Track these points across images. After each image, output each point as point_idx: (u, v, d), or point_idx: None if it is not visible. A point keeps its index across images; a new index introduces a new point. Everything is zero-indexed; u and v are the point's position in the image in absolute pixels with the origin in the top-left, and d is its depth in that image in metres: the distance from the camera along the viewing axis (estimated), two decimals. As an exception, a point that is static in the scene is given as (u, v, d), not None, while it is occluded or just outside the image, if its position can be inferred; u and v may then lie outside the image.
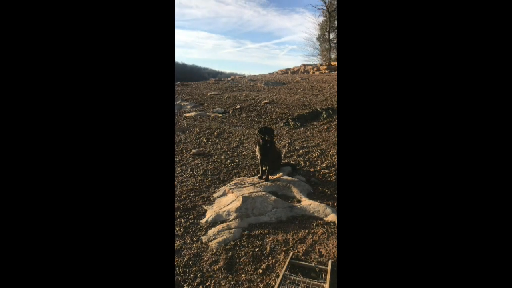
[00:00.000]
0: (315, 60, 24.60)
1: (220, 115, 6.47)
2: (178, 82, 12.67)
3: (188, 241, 2.12)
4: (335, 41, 21.88)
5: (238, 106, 7.04)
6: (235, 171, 3.43)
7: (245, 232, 2.20)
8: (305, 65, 20.98)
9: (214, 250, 2.00)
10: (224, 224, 2.29)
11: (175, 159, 3.80)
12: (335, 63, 17.27)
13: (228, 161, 3.72)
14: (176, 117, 6.23)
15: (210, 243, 2.08)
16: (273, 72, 22.67)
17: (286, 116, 5.94)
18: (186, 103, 7.78)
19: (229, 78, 15.71)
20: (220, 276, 1.77)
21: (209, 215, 2.46)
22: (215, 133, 5.03)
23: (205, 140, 4.67)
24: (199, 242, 2.10)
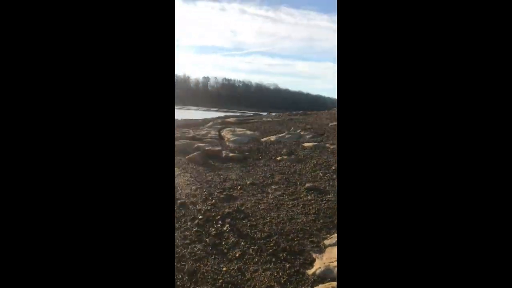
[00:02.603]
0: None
1: (340, 147, 6.04)
2: (301, 111, 12.96)
3: (290, 294, 1.86)
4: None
5: (361, 139, 6.41)
6: (352, 216, 2.96)
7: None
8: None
9: (319, 316, 1.66)
10: (334, 283, 1.91)
11: (289, 192, 3.68)
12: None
13: (345, 202, 3.29)
14: (295, 147, 6.24)
15: (314, 305, 1.75)
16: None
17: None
18: (305, 133, 7.75)
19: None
20: None
21: (318, 266, 2.14)
22: (333, 168, 4.66)
23: (321, 174, 4.38)
24: (302, 299, 1.81)
